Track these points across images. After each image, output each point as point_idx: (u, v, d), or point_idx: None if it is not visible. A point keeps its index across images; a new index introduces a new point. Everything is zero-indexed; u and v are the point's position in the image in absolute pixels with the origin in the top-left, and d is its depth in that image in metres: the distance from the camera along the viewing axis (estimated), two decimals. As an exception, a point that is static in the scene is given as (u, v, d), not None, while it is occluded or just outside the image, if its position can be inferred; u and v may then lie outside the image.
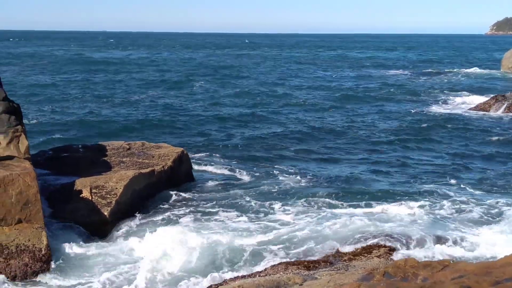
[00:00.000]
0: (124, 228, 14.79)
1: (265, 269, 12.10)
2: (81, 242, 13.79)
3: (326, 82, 55.11)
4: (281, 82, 54.77)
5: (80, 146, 19.61)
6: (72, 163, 17.72)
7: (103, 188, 15.51)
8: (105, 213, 14.95)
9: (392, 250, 12.73)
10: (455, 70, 70.54)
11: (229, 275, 12.09)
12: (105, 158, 18.03)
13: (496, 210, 16.12)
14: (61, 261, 12.84)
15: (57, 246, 13.35)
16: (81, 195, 15.28)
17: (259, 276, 11.49)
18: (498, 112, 35.00)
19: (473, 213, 15.89)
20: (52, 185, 16.27)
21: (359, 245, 13.13)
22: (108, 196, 15.31)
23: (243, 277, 11.77)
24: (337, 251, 13.03)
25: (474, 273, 8.21)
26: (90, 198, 15.18)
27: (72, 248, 13.44)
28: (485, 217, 15.51)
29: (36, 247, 12.69)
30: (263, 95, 43.85)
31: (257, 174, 20.30)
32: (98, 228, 14.66)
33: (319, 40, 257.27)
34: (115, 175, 16.18)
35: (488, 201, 16.93)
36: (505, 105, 35.98)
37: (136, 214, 15.54)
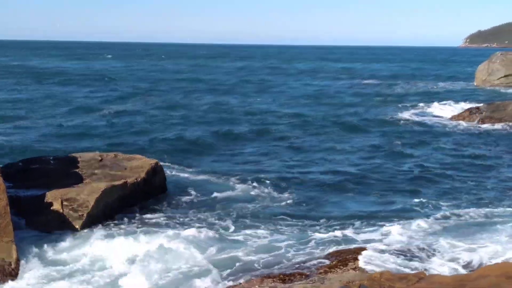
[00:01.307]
0: (94, 240, 14.48)
1: (241, 283, 11.97)
2: (51, 255, 13.49)
3: (299, 93, 55.19)
4: (255, 92, 54.87)
5: (51, 157, 19.28)
6: (43, 175, 17.41)
7: (74, 200, 15.24)
8: (77, 226, 14.71)
9: (368, 263, 12.64)
10: (429, 82, 71.29)
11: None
12: (77, 170, 17.74)
13: (470, 223, 16.19)
14: (31, 275, 12.51)
15: (27, 259, 13.03)
16: (52, 208, 15.00)
17: (234, 290, 11.35)
18: (472, 124, 35.37)
19: (447, 226, 15.95)
20: (23, 197, 15.93)
21: (335, 258, 13.03)
22: (80, 209, 15.05)
23: (218, 291, 11.61)
24: (313, 264, 12.91)
25: (449, 285, 8.19)
26: (61, 211, 14.91)
27: (42, 261, 13.13)
28: (459, 230, 15.57)
29: (5, 261, 12.38)
30: (236, 105, 43.82)
31: (230, 186, 20.14)
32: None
33: (296, 52, 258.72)
34: (87, 188, 15.92)
35: (462, 213, 17.02)
36: (479, 117, 36.47)
37: (106, 226, 15.31)
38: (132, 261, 13.10)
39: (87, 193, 15.50)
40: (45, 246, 13.90)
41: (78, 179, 16.85)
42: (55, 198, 15.19)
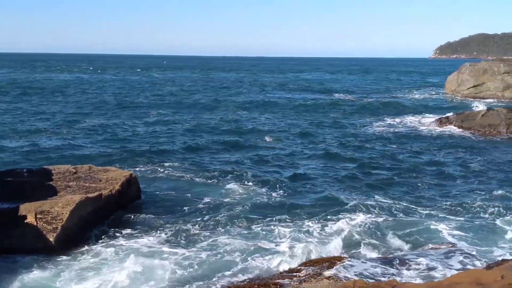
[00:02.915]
0: (69, 261, 14.38)
1: (215, 294, 12.02)
2: (26, 274, 13.34)
3: (270, 105, 55.39)
4: (229, 102, 54.97)
5: (24, 170, 19.12)
6: (17, 188, 17.24)
7: (48, 213, 15.13)
8: (51, 239, 14.58)
9: (340, 271, 12.80)
10: (399, 93, 72.01)
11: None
12: (51, 183, 17.63)
13: (440, 227, 16.56)
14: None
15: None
16: (26, 221, 14.86)
17: (209, 300, 11.39)
18: (441, 133, 35.91)
19: (418, 229, 16.29)
20: (-5, 211, 15.78)
21: (309, 267, 13.16)
22: (54, 221, 14.94)
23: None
24: (287, 274, 13.02)
25: (421, 293, 8.34)
26: (35, 224, 14.79)
27: (16, 281, 13.00)
28: (430, 234, 15.91)
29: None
30: (213, 114, 43.89)
31: (202, 193, 20.41)
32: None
33: (268, 64, 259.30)
34: (61, 200, 15.82)
35: (434, 218, 17.39)
36: (449, 126, 37.13)
37: (79, 244, 15.22)
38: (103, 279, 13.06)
39: (62, 206, 15.41)
40: (20, 261, 13.81)
41: (52, 192, 16.75)
42: (29, 211, 15.06)
